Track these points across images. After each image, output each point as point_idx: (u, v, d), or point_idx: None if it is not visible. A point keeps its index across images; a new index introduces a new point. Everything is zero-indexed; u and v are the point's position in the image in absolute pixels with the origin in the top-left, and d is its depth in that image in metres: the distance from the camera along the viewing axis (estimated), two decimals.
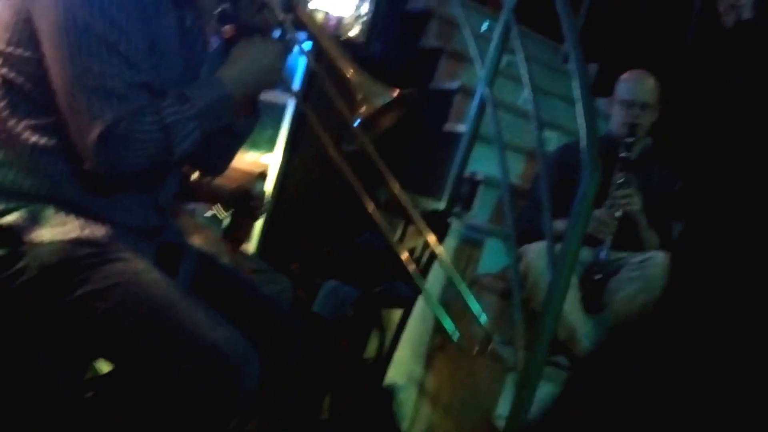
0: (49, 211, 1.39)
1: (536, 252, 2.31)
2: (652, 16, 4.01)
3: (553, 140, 3.40)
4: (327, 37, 1.62)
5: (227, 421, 1.37)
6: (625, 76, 2.86)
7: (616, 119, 2.81)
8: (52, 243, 1.36)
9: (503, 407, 2.11)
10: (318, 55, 1.62)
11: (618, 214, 2.54)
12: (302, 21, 1.58)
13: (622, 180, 2.59)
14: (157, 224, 1.55)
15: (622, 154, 2.64)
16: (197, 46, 1.60)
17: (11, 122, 1.39)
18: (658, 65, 3.09)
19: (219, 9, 1.61)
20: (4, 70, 1.39)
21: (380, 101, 1.47)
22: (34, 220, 1.38)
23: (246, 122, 1.65)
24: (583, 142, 1.96)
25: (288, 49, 1.56)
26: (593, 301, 2.45)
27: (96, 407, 1.46)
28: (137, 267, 1.39)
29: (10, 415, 1.40)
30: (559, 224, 2.21)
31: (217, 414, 1.33)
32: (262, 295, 1.71)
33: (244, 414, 1.66)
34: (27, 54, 1.37)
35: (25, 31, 1.36)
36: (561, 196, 2.28)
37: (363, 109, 1.46)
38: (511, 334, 2.08)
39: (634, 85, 2.80)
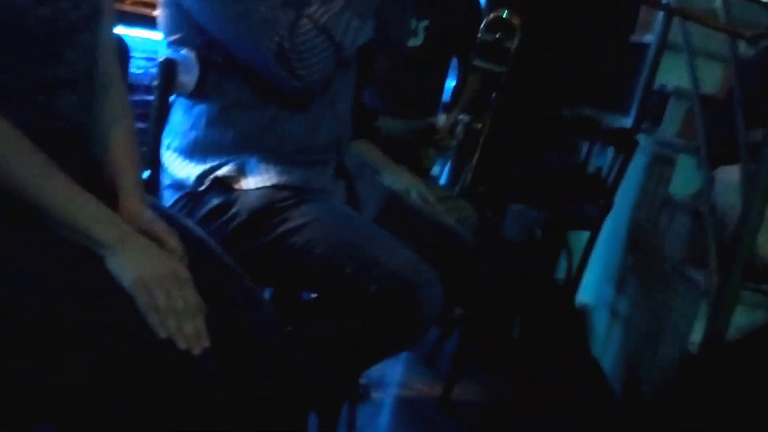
0: (252, 162, 1.54)
1: (726, 183, 2.15)
2: None
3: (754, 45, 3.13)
4: None
5: (412, 340, 1.48)
6: None
7: None
8: (257, 189, 1.52)
9: (698, 333, 2.06)
10: None
11: None
12: None
13: None
14: (339, 133, 1.65)
15: None
16: None
17: (205, 85, 1.54)
18: None
19: None
20: (186, 50, 1.54)
21: None
22: (240, 171, 1.54)
23: None
24: None
25: None
26: None
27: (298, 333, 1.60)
28: (329, 205, 1.53)
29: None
30: (757, 135, 2.06)
31: (402, 332, 1.44)
32: (445, 227, 1.81)
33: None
34: (193, 30, 1.51)
35: (182, 13, 1.50)
36: (761, 103, 2.12)
37: None
38: (705, 258, 2.00)
39: None
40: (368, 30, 1.55)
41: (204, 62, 1.54)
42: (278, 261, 1.50)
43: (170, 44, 1.59)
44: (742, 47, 3.24)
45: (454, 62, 2.71)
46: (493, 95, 2.73)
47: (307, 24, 1.44)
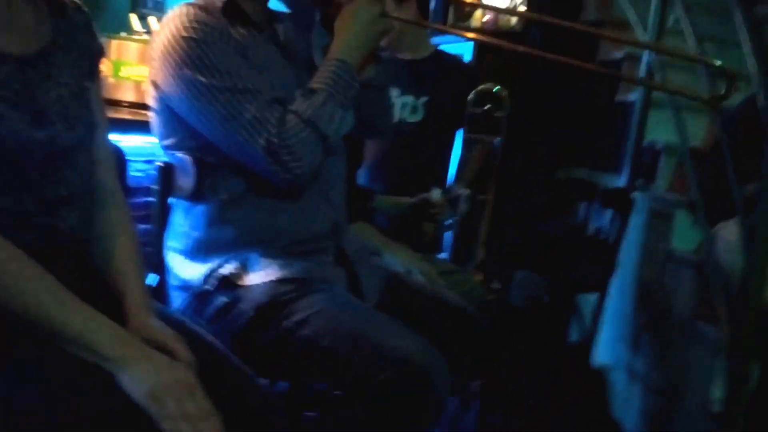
0: (253, 257, 1.58)
1: (727, 241, 2.16)
2: None
3: (740, 91, 3.20)
4: None
5: (423, 425, 1.46)
6: None
7: None
8: (260, 285, 1.55)
9: (718, 390, 2.03)
10: None
11: None
12: None
13: None
14: (336, 222, 1.68)
15: None
16: (300, 52, 1.73)
17: (202, 187, 1.59)
18: None
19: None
20: (181, 154, 1.60)
21: None
22: (243, 267, 1.57)
23: (377, 72, 1.75)
24: (761, 100, 1.83)
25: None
26: None
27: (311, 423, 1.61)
28: (331, 294, 1.56)
29: None
30: (751, 188, 2.09)
31: (412, 418, 1.43)
32: (450, 304, 1.83)
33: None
34: (186, 135, 1.57)
35: (174, 120, 1.56)
36: (751, 154, 2.14)
37: None
38: (715, 313, 1.99)
39: None
40: (350, 118, 1.60)
41: (199, 165, 1.59)
42: (287, 355, 1.52)
43: (165, 148, 1.63)
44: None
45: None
46: (494, 166, 2.77)
47: (293, 119, 1.49)
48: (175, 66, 1.49)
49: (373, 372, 1.41)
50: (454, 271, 2.37)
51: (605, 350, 2.86)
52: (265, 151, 1.46)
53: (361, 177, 2.50)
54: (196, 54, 1.47)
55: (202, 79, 1.47)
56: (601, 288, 2.70)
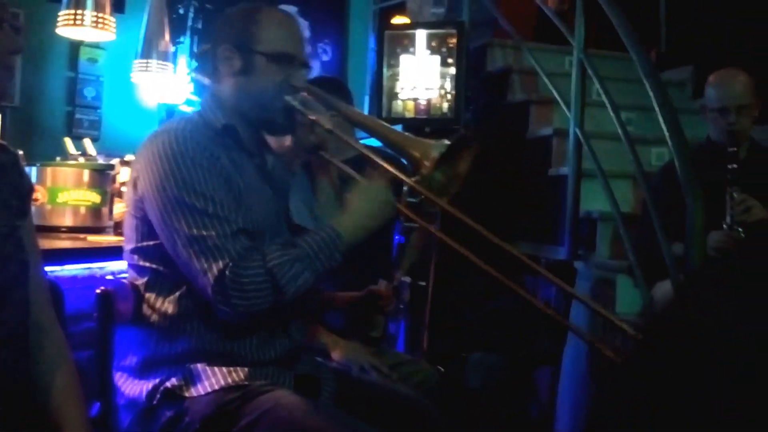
0: (200, 368, 1.58)
1: (663, 302, 2.22)
2: (749, 11, 3.80)
3: (665, 156, 3.33)
4: (373, 122, 1.78)
5: None
6: (711, 79, 2.67)
7: (713, 125, 2.65)
8: (207, 395, 1.54)
9: None
10: None
11: (740, 232, 2.34)
12: (351, 119, 1.78)
13: (735, 193, 2.40)
14: (291, 348, 1.69)
15: (730, 166, 2.45)
16: (283, 181, 1.78)
17: (154, 301, 1.60)
18: (758, 61, 2.95)
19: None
20: (142, 261, 1.62)
21: (437, 151, 1.58)
22: (189, 379, 1.57)
23: None
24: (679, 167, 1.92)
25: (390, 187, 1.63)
26: None
27: None
28: (278, 394, 1.55)
29: None
30: (678, 248, 2.17)
31: None
32: (402, 397, 1.84)
33: None
34: (152, 243, 1.59)
35: (146, 225, 1.59)
36: (675, 216, 2.23)
37: (426, 163, 1.59)
38: None
39: (723, 89, 2.61)
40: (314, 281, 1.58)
41: (137, 291, 1.61)
42: None
43: (129, 252, 1.65)
44: (654, 159, 3.44)
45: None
46: (432, 253, 2.81)
47: (257, 261, 1.50)
48: (158, 175, 1.53)
49: None
50: (406, 362, 2.37)
51: (565, 423, 2.87)
52: (215, 280, 1.48)
53: None
54: (179, 170, 1.52)
55: (178, 194, 1.51)
56: (556, 361, 2.73)
